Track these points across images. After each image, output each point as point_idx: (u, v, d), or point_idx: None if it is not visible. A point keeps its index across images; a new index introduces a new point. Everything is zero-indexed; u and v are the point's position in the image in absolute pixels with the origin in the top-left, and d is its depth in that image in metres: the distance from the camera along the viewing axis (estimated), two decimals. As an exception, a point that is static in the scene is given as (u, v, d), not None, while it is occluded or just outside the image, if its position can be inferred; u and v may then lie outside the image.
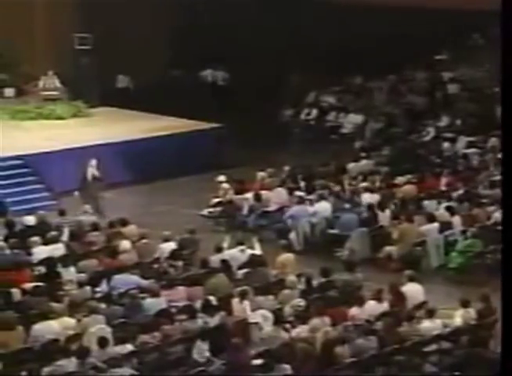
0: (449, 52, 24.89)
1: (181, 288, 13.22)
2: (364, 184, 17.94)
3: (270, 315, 12.37)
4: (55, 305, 12.50)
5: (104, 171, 18.38)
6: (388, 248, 15.94)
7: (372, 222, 16.56)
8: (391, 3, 23.25)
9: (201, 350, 11.67)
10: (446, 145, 21.21)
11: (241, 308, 12.57)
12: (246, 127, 22.09)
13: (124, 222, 15.48)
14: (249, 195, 17.82)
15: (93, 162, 18.01)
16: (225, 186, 18.15)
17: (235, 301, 12.66)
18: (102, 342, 11.44)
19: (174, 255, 14.35)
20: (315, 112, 24.88)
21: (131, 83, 26.30)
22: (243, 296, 12.66)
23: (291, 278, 13.54)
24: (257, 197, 17.65)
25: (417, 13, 23.04)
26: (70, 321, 12.14)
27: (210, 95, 25.79)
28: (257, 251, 14.72)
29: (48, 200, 18.49)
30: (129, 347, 11.50)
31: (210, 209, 17.86)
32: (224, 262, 13.96)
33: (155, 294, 12.83)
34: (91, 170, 17.92)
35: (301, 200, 17.16)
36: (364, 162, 19.70)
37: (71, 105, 22.79)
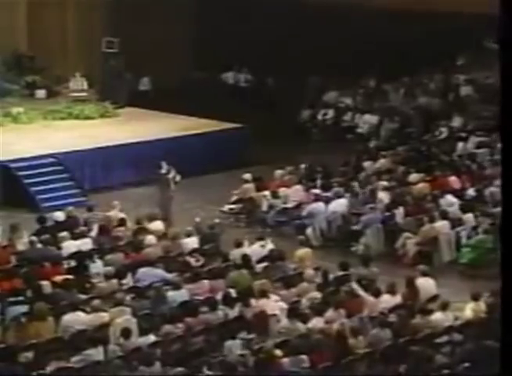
0: (463, 55, 25.11)
1: (205, 282, 13.52)
2: (380, 182, 18.13)
3: (285, 306, 12.62)
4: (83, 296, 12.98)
5: (135, 169, 18.82)
6: (408, 244, 16.18)
7: (387, 218, 16.87)
8: (406, 7, 23.56)
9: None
10: (459, 144, 21.25)
11: (266, 302, 12.79)
12: (266, 127, 22.32)
13: (151, 218, 15.82)
14: (268, 192, 18.10)
15: (177, 176, 17.86)
16: (249, 183, 18.42)
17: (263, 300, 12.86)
18: (127, 333, 11.81)
19: (194, 250, 14.68)
20: (331, 112, 25.05)
21: (154, 85, 26.74)
22: (263, 292, 12.89)
23: (309, 272, 13.82)
24: (275, 195, 17.96)
25: (430, 16, 23.31)
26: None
27: (231, 96, 26.18)
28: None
29: (79, 197, 18.87)
30: (153, 337, 11.81)
31: (231, 206, 18.24)
32: (245, 256, 14.23)
33: (178, 287, 13.15)
34: (173, 186, 17.86)
35: (318, 198, 17.48)
36: (379, 161, 19.85)
37: (99, 105, 23.13)
